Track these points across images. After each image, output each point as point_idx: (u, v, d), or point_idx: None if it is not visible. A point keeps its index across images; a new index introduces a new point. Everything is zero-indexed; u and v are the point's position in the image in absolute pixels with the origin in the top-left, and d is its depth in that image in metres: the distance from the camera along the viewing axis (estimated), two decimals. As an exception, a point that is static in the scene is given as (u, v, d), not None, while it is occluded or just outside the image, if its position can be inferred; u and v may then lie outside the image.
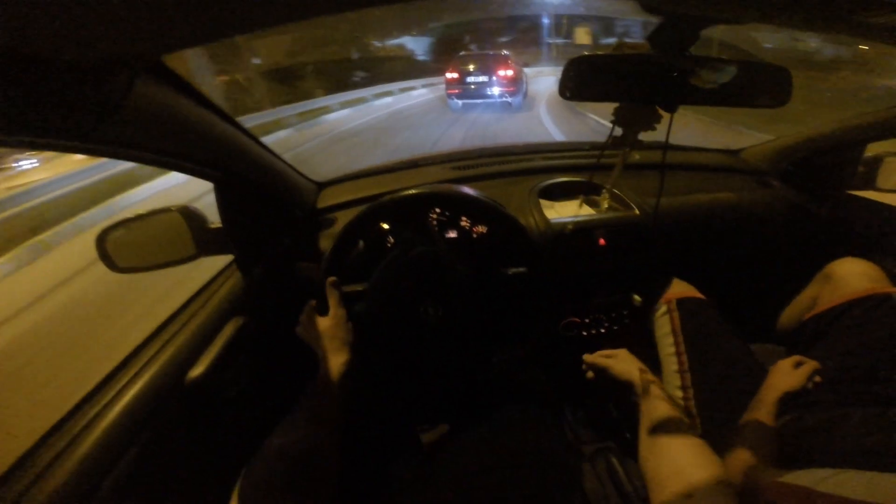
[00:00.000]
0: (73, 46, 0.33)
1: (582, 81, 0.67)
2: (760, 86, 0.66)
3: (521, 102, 10.43)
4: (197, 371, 0.71)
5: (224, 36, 0.42)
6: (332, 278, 0.70)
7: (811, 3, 0.43)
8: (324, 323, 0.68)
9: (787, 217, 1.20)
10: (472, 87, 10.06)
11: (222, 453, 0.77)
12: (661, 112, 0.75)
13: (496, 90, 10.00)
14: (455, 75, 10.10)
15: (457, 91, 10.20)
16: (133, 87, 0.43)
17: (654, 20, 0.58)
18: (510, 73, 9.98)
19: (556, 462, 0.72)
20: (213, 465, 0.74)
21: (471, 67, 10.09)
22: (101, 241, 0.82)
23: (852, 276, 1.04)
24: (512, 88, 10.01)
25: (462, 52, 11.29)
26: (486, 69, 9.99)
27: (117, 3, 0.29)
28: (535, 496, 0.70)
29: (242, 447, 0.82)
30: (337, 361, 0.64)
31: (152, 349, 0.70)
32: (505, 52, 10.94)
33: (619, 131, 0.81)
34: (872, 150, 1.16)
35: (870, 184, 1.15)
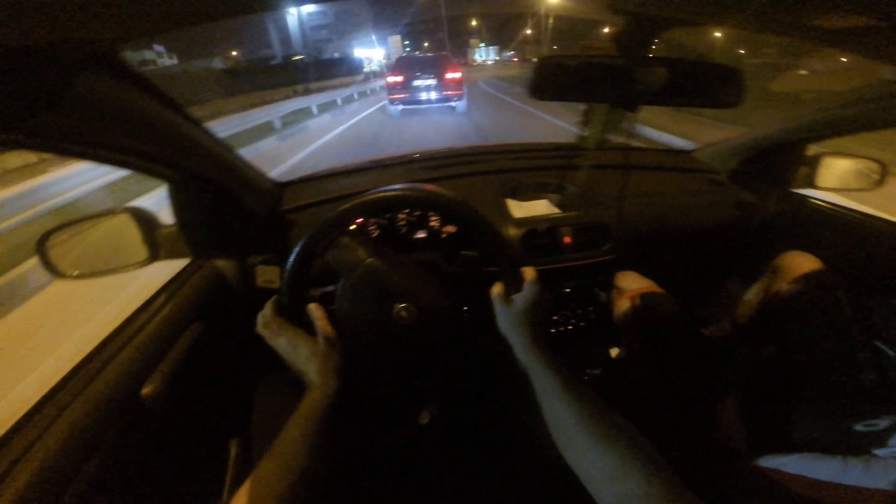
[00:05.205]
0: (12, 29, 0.30)
1: (548, 81, 0.68)
2: (716, 86, 0.69)
3: (466, 106, 10.20)
4: (153, 383, 0.66)
5: (179, 26, 0.39)
6: (313, 304, 0.67)
7: (767, 6, 0.45)
8: (315, 347, 0.64)
9: (736, 214, 1.26)
10: (417, 91, 9.61)
11: (184, 474, 0.72)
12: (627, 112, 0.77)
13: (442, 94, 9.64)
14: (399, 79, 9.60)
15: (401, 96, 9.71)
16: (76, 77, 0.40)
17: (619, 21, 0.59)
18: (457, 75, 9.66)
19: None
20: (175, 489, 0.69)
21: (415, 70, 9.63)
22: (42, 245, 0.76)
23: (796, 267, 1.11)
24: (459, 91, 9.73)
25: (403, 55, 11.13)
26: (431, 72, 9.56)
27: None
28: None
29: (206, 463, 0.78)
30: (330, 387, 0.60)
31: (101, 360, 0.64)
32: (445, 52, 10.76)
33: (586, 131, 0.83)
34: (813, 150, 1.24)
35: (811, 183, 1.22)
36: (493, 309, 0.70)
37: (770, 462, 0.67)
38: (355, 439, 0.87)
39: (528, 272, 0.70)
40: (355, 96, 15.52)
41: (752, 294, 1.18)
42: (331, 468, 0.56)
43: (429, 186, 0.72)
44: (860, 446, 0.72)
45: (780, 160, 1.25)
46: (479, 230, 0.72)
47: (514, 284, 0.70)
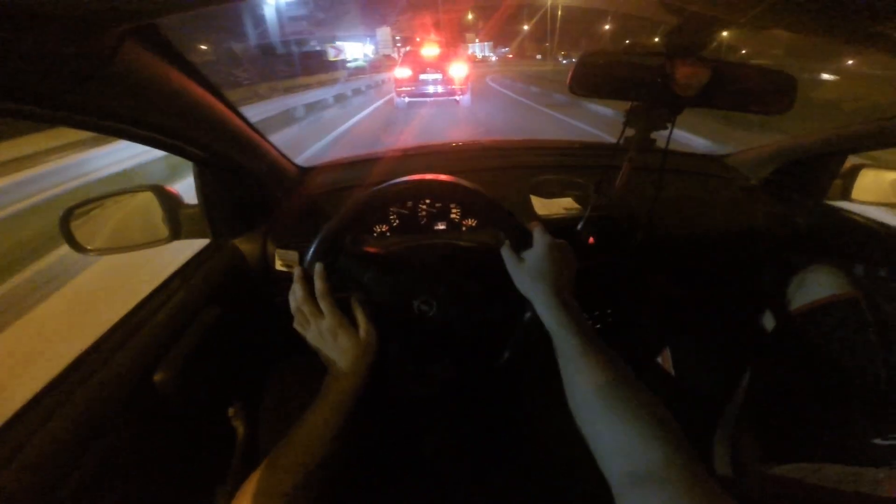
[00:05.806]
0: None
1: (591, 78, 0.66)
2: (766, 91, 0.66)
3: (470, 100, 10.31)
4: (165, 369, 0.64)
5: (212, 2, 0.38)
6: (356, 295, 0.64)
7: (834, 10, 0.43)
8: (356, 339, 0.61)
9: (766, 223, 1.23)
10: (425, 84, 9.80)
11: (190, 460, 0.72)
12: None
13: (448, 88, 9.85)
14: (407, 72, 9.81)
15: (408, 89, 9.91)
16: (120, 51, 0.38)
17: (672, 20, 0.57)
18: (464, 70, 9.88)
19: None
20: (180, 475, 0.69)
21: (423, 64, 9.83)
22: (65, 220, 0.76)
23: (823, 281, 1.08)
24: (464, 86, 9.89)
25: (410, 48, 11.20)
26: (439, 66, 9.79)
27: None
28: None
29: (213, 449, 0.77)
30: (360, 379, 0.59)
31: (115, 342, 0.63)
32: (452, 48, 11.02)
33: (630, 132, 0.80)
34: (850, 162, 1.19)
35: (846, 195, 1.18)
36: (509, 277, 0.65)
37: (788, 472, 0.66)
38: (373, 426, 0.86)
39: (535, 225, 0.66)
40: (300, 111, 10.16)
41: (778, 304, 1.16)
42: (347, 459, 0.55)
43: (416, 176, 0.69)
44: (880, 459, 0.71)
45: (816, 170, 1.20)
46: (468, 198, 0.69)
47: (521, 241, 0.66)
